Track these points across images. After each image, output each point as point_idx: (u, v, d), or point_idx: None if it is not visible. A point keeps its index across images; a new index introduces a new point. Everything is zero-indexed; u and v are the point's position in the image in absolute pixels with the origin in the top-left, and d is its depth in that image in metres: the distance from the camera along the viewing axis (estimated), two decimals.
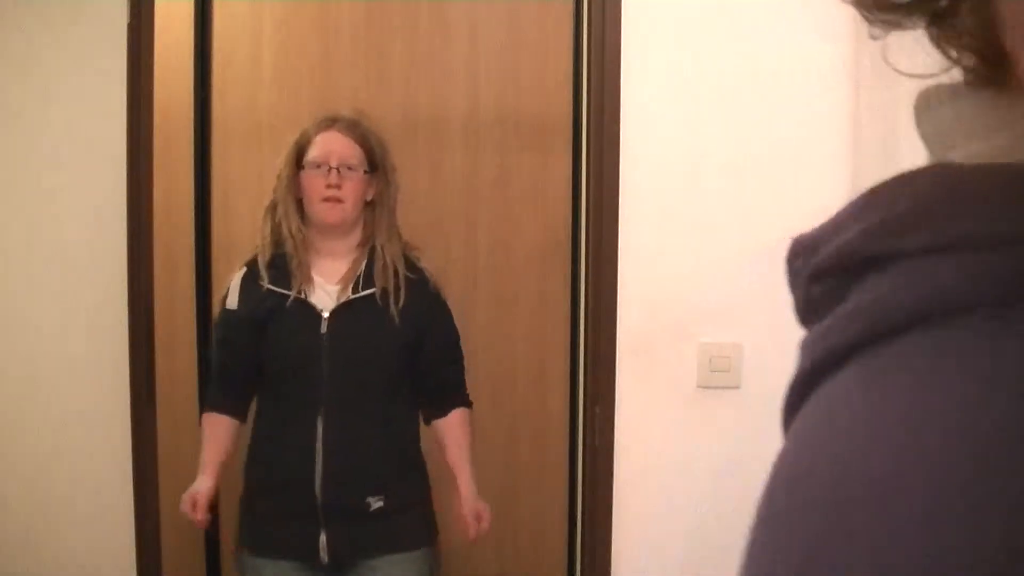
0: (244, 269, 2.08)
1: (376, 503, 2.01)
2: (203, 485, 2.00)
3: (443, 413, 2.10)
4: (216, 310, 2.14)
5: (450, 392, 2.12)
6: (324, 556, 1.99)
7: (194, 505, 1.99)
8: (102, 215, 2.13)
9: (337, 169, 2.01)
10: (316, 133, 2.05)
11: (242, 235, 2.75)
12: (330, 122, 2.07)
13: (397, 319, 2.01)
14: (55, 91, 2.14)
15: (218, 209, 2.84)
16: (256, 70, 2.83)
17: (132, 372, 2.12)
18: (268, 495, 2.04)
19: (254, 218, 2.73)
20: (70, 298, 2.16)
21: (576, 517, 2.70)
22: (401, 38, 2.84)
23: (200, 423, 2.11)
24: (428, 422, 2.11)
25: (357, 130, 2.07)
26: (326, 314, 2.00)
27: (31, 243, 2.16)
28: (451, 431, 2.09)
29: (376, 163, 2.09)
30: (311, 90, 2.79)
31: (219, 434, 2.06)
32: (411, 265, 2.09)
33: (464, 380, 2.17)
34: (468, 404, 2.14)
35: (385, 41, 2.84)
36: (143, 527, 2.15)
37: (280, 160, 2.07)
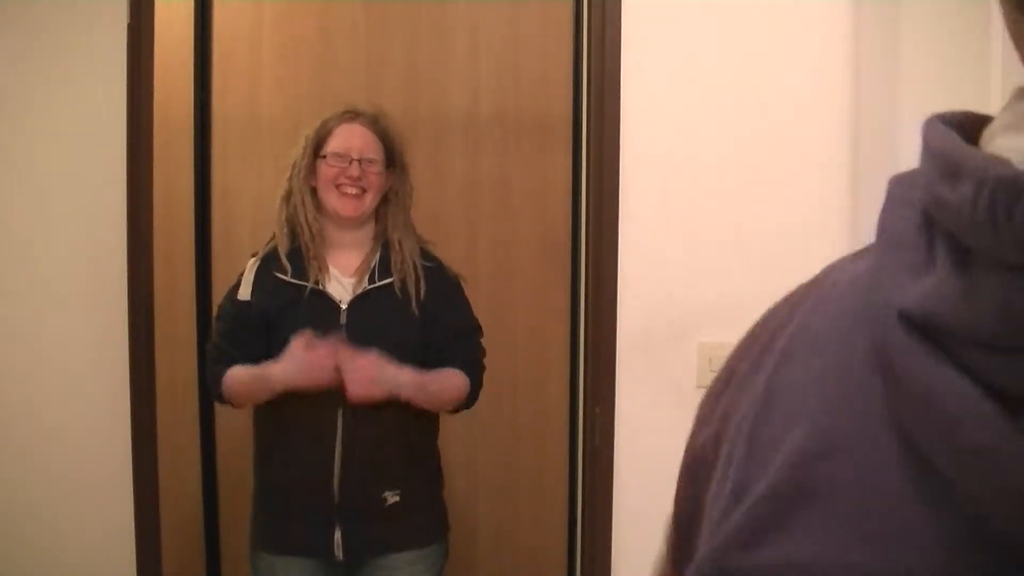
0: (258, 260, 2.06)
1: (392, 498, 2.00)
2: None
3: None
4: (222, 301, 2.12)
5: (460, 365, 2.06)
6: (339, 553, 1.99)
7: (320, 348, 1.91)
8: (102, 215, 2.13)
9: (359, 162, 2.02)
10: (337, 124, 2.06)
11: (242, 235, 2.75)
12: (353, 115, 2.07)
13: (417, 311, 2.01)
14: (55, 91, 2.14)
15: (218, 209, 2.84)
16: (256, 70, 2.83)
17: (132, 372, 2.12)
18: (283, 494, 2.02)
19: (254, 218, 2.73)
20: (70, 298, 2.16)
21: (576, 517, 2.70)
22: (401, 38, 2.84)
23: (223, 394, 2.03)
24: None
25: (378, 125, 2.08)
26: (344, 305, 2.00)
27: (31, 243, 2.16)
28: (437, 371, 2.03)
29: (394, 159, 2.10)
30: (311, 90, 2.79)
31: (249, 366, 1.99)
32: (427, 255, 2.10)
33: (478, 363, 2.10)
34: (473, 380, 2.07)
35: (385, 41, 2.84)
36: (143, 527, 2.15)
37: (296, 149, 2.06)
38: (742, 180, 2.01)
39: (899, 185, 0.40)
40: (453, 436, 2.84)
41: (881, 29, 2.04)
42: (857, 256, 0.45)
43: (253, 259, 2.07)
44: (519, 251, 2.84)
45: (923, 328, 0.35)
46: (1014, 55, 0.39)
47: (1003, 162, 0.33)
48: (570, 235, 2.80)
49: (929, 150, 0.37)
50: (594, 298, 2.10)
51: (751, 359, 0.46)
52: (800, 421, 0.40)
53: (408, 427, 2.03)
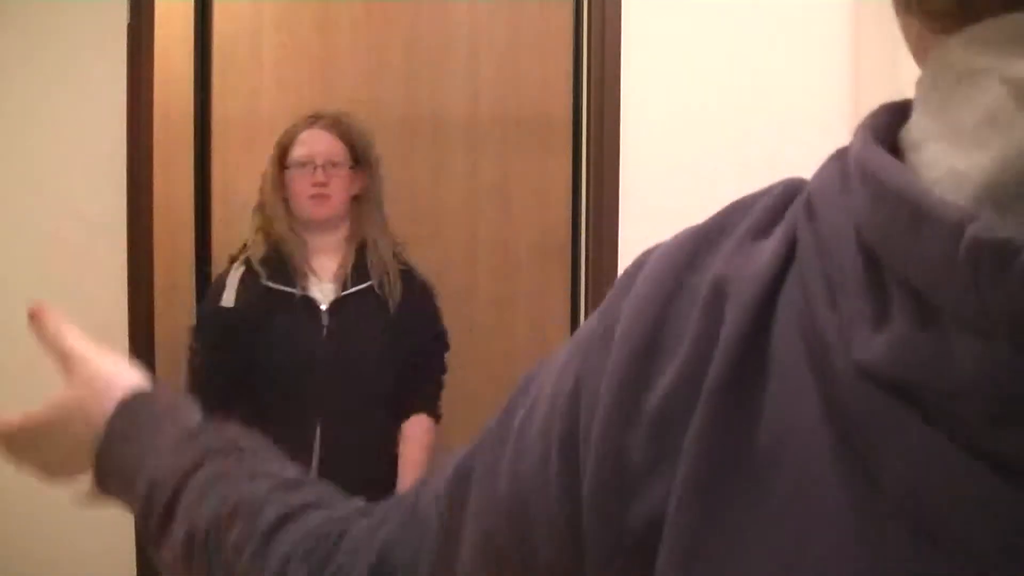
0: (241, 267, 2.05)
1: None
2: None
3: (405, 415, 2.05)
4: (201, 309, 2.11)
5: (419, 391, 2.07)
6: None
7: None
8: (102, 215, 2.13)
9: (322, 167, 2.01)
10: (299, 131, 2.06)
11: (242, 235, 2.75)
12: (312, 120, 2.07)
13: (392, 310, 2.01)
14: (55, 91, 2.14)
15: (218, 209, 2.84)
16: (256, 70, 2.83)
17: None
18: None
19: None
20: (70, 298, 2.16)
21: None
22: (401, 38, 2.84)
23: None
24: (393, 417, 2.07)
25: (340, 126, 2.08)
26: (324, 307, 1.99)
27: (31, 243, 2.16)
28: (408, 442, 2.04)
29: (359, 158, 2.08)
30: (311, 90, 2.79)
31: None
32: (399, 258, 2.10)
33: (438, 385, 2.11)
34: (432, 411, 2.07)
35: (385, 41, 2.84)
36: None
37: (267, 160, 2.08)
38: (742, 181, 2.01)
39: (828, 204, 0.34)
40: (452, 438, 2.84)
41: (881, 29, 2.04)
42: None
43: (236, 264, 2.06)
44: (519, 251, 2.84)
45: (889, 387, 0.30)
46: None
47: (973, 215, 0.28)
48: (570, 235, 2.79)
49: (872, 180, 0.32)
50: (594, 298, 2.10)
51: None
52: None
53: (389, 436, 2.02)
